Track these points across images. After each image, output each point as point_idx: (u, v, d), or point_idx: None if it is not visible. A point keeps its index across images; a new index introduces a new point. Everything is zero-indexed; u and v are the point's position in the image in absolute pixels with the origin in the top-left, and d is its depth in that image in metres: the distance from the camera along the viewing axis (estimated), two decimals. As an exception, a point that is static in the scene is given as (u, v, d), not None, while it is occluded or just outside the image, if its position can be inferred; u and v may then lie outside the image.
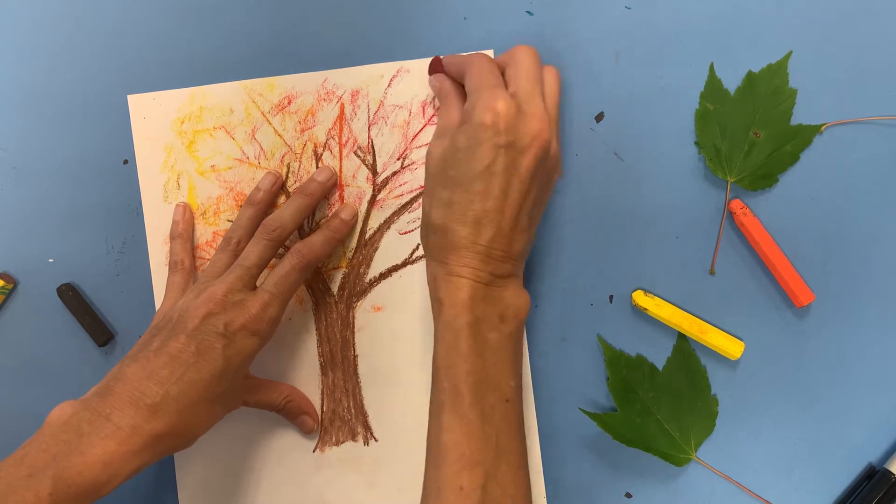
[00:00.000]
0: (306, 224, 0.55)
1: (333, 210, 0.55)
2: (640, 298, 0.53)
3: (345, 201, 0.55)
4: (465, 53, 0.52)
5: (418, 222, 0.55)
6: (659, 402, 0.53)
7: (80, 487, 0.42)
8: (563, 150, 0.54)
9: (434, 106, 0.55)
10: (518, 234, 0.46)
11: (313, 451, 0.55)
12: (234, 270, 0.49)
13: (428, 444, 0.46)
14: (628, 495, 0.55)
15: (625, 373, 0.54)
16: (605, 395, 0.55)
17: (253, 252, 0.50)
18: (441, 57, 0.53)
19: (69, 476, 0.42)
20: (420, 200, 0.55)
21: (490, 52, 0.54)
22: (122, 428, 0.43)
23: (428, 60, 0.55)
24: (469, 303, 0.45)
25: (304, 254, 0.51)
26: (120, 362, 0.47)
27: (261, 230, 0.51)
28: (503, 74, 0.49)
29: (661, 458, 0.53)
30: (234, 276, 0.49)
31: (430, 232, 0.47)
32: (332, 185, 0.55)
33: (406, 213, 0.55)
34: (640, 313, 0.54)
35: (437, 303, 0.46)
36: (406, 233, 0.55)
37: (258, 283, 0.50)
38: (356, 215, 0.55)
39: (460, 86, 0.52)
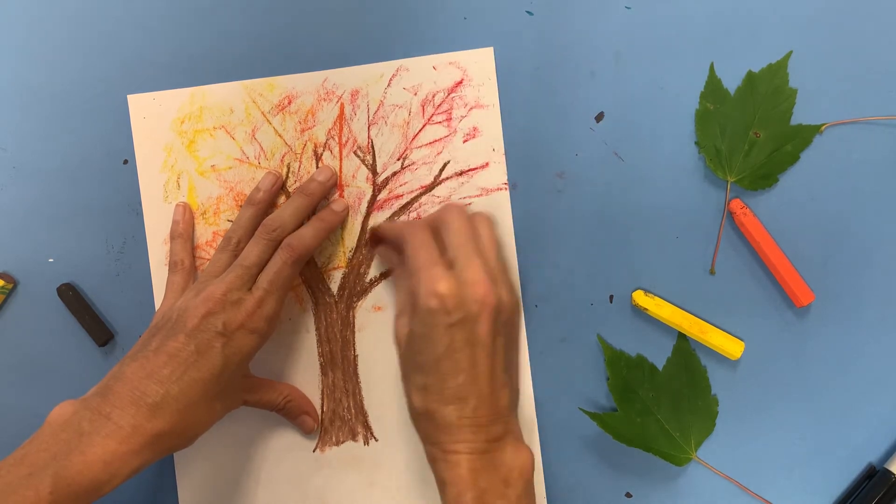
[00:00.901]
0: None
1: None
2: (641, 298, 0.53)
3: (345, 200, 0.55)
4: (398, 222, 0.54)
5: (418, 222, 0.55)
6: (659, 402, 0.53)
7: (80, 486, 0.42)
8: (562, 151, 0.55)
9: (433, 105, 0.55)
10: (500, 392, 0.46)
11: (313, 451, 0.55)
12: (233, 270, 0.49)
13: None
14: (628, 495, 0.55)
15: (625, 373, 0.54)
16: (606, 395, 0.55)
17: (252, 252, 0.50)
18: (376, 228, 0.54)
19: (69, 475, 0.42)
20: (420, 200, 0.55)
21: (490, 51, 0.55)
22: (122, 427, 0.43)
23: (427, 59, 0.55)
24: (470, 477, 0.44)
25: (295, 246, 0.51)
26: (120, 362, 0.47)
27: (261, 230, 0.51)
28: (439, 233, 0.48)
29: (662, 458, 0.53)
30: (234, 276, 0.49)
31: (416, 416, 0.47)
32: (332, 185, 0.55)
33: (406, 213, 0.55)
34: (640, 313, 0.54)
35: (440, 483, 0.46)
36: (406, 233, 0.55)
37: (257, 283, 0.50)
38: (347, 209, 0.55)
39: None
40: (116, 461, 0.43)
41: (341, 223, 0.55)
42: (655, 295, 0.54)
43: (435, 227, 0.49)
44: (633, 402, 0.53)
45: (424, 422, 0.46)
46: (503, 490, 0.45)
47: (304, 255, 0.51)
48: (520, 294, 0.50)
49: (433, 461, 0.46)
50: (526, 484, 0.46)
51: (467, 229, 0.48)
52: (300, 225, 0.53)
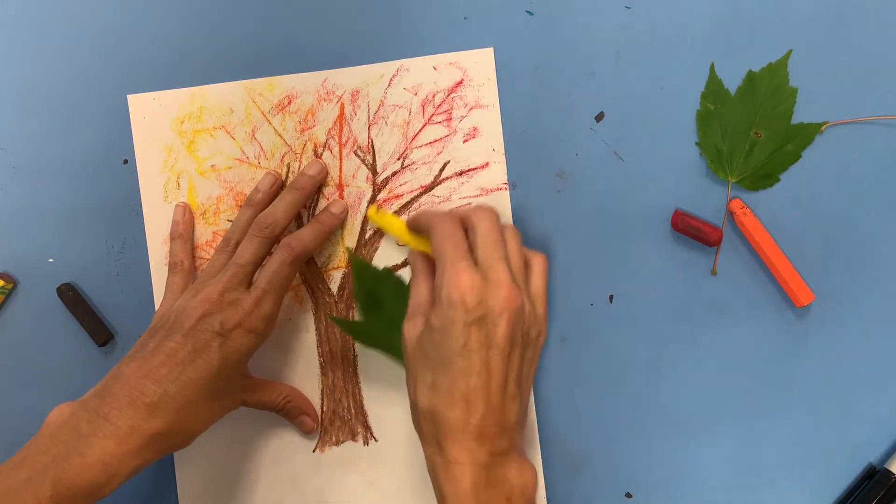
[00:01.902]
0: (306, 220, 0.55)
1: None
2: (374, 215, 0.54)
3: (344, 201, 0.55)
4: (429, 211, 0.53)
5: (418, 222, 0.55)
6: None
7: (79, 488, 0.42)
8: (562, 151, 0.54)
9: (433, 105, 0.55)
10: (509, 404, 0.45)
11: (313, 451, 0.55)
12: (229, 269, 0.49)
13: None
14: (628, 495, 0.55)
15: (372, 284, 0.53)
16: (605, 396, 0.55)
17: (247, 250, 0.50)
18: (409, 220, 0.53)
19: (68, 477, 0.42)
20: (420, 200, 0.55)
21: (490, 52, 0.54)
22: (120, 427, 0.43)
23: (428, 59, 0.55)
24: (472, 493, 0.43)
25: (294, 247, 0.51)
26: (118, 363, 0.47)
27: (253, 227, 0.51)
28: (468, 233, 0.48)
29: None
30: (230, 275, 0.49)
31: (420, 417, 0.46)
32: (323, 179, 0.55)
33: (406, 213, 0.55)
34: (641, 310, 0.54)
35: (439, 494, 0.44)
36: (406, 233, 0.55)
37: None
38: (346, 210, 0.55)
39: (428, 260, 0.50)
40: (115, 462, 0.43)
41: (341, 225, 0.55)
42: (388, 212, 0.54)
43: (465, 223, 0.49)
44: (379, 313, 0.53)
45: (428, 423, 0.45)
46: None
47: (303, 255, 0.51)
48: (545, 313, 0.49)
49: (433, 469, 0.45)
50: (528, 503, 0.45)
51: (497, 234, 0.47)
52: (292, 219, 0.53)
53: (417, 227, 0.52)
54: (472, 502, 0.43)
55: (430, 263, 0.50)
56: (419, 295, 0.49)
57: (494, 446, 0.44)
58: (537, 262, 0.49)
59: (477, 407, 0.44)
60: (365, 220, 0.55)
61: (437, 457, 0.45)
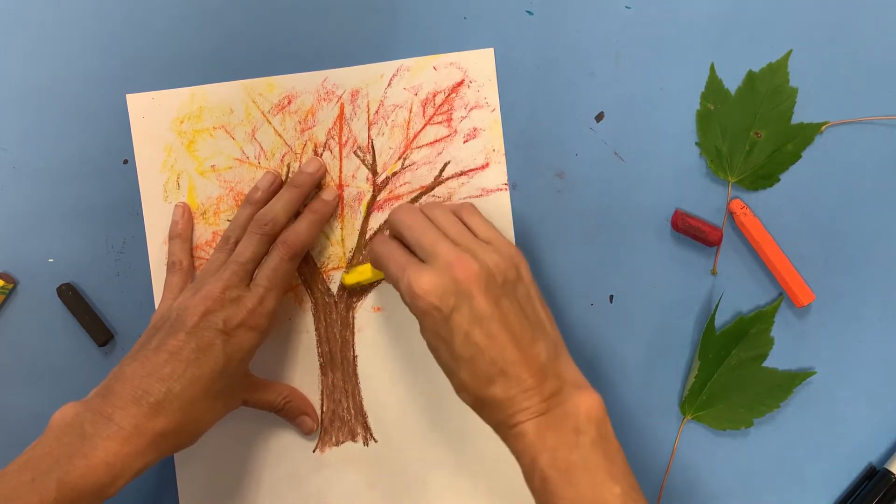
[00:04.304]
0: (306, 223, 0.55)
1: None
2: (347, 277, 0.54)
3: (344, 201, 0.55)
4: (371, 244, 0.53)
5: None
6: None
7: (84, 490, 0.42)
8: (562, 151, 0.54)
9: (434, 105, 0.55)
10: (531, 350, 0.44)
11: (313, 452, 0.55)
12: (229, 267, 0.49)
13: None
14: (628, 495, 0.55)
15: None
16: (604, 396, 0.54)
17: (247, 248, 0.50)
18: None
19: (72, 479, 0.42)
20: (420, 201, 0.55)
21: (490, 52, 0.54)
22: (124, 428, 0.43)
23: (428, 59, 0.55)
24: (538, 441, 0.43)
25: (291, 242, 0.51)
26: (119, 363, 0.47)
27: (252, 225, 0.51)
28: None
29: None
30: (230, 273, 0.49)
31: (474, 409, 0.46)
32: (322, 176, 0.55)
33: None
34: (642, 313, 0.54)
35: (515, 455, 0.45)
36: (406, 233, 0.55)
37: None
38: (337, 197, 0.55)
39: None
40: (119, 462, 0.43)
41: (334, 212, 0.55)
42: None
43: (395, 234, 0.49)
44: None
45: (481, 411, 0.46)
46: (574, 440, 0.43)
47: (301, 249, 0.51)
48: (510, 246, 0.48)
49: (505, 441, 0.45)
50: (599, 427, 0.44)
51: (421, 221, 0.47)
52: (291, 216, 0.53)
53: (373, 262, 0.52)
54: (541, 449, 0.43)
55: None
56: None
57: (543, 393, 0.44)
58: (467, 211, 0.49)
59: (507, 374, 0.44)
60: (365, 221, 0.55)
61: (501, 429, 0.45)
